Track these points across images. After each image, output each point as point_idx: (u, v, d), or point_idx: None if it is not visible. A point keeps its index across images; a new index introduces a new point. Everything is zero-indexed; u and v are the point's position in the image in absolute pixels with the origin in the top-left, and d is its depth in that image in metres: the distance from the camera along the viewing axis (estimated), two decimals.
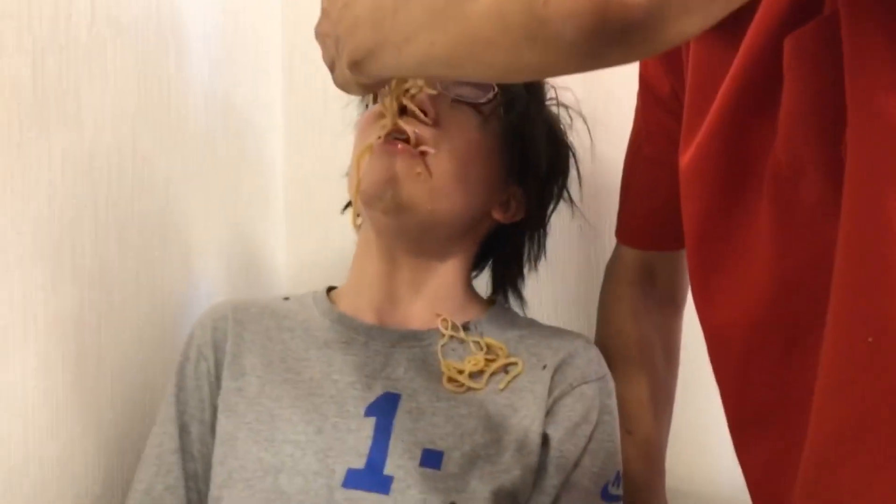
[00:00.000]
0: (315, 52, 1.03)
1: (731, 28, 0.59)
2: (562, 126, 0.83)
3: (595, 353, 0.76)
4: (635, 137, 0.82)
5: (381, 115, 0.74)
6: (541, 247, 0.84)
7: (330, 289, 0.82)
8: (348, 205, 0.85)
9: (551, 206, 0.83)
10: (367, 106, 0.83)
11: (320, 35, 0.64)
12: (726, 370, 0.62)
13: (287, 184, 1.09)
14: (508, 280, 0.84)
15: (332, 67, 0.63)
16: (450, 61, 0.50)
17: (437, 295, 0.77)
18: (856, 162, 0.47)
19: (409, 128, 0.71)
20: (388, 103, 0.71)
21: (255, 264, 1.05)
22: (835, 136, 0.48)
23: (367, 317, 0.76)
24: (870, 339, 0.46)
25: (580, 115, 0.85)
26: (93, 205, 0.73)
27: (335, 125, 0.92)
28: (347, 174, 0.81)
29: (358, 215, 0.78)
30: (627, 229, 0.85)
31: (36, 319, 0.66)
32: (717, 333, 0.63)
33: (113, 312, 0.75)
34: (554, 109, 0.83)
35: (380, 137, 0.72)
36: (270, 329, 0.76)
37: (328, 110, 1.04)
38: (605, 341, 0.83)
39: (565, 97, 0.85)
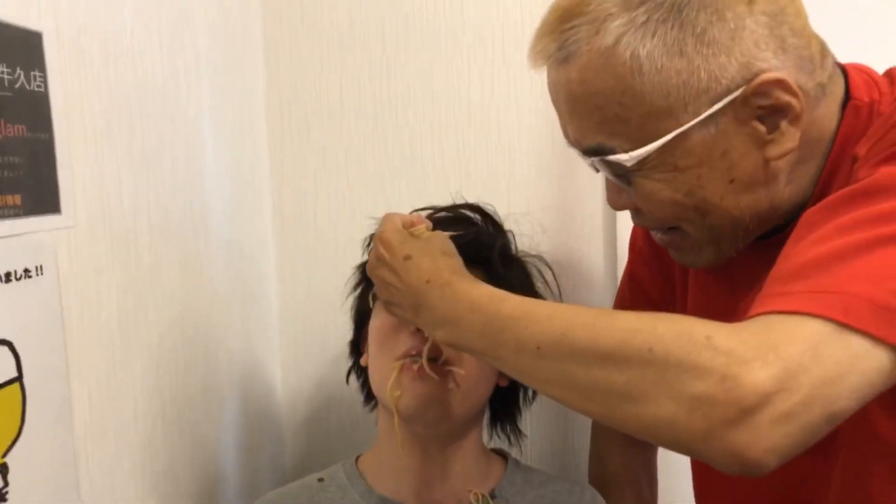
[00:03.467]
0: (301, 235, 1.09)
1: (726, 275, 0.73)
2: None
3: (600, 501, 0.90)
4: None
5: (399, 326, 0.79)
6: (535, 392, 0.92)
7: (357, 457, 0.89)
8: (350, 372, 0.94)
9: None
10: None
11: (379, 279, 0.71)
12: None
13: (281, 311, 1.17)
14: (510, 426, 0.94)
15: (388, 303, 0.72)
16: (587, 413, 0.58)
17: (464, 470, 0.84)
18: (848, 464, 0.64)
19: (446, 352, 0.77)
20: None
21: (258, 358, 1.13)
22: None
23: (408, 499, 0.83)
24: None
25: (549, 266, 0.98)
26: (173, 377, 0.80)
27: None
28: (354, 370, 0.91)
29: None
30: None
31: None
32: None
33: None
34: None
35: (412, 359, 0.77)
36: None
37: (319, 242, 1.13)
38: (602, 480, 0.97)
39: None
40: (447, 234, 0.75)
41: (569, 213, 1.08)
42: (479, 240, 0.84)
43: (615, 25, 0.61)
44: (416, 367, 0.77)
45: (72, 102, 0.64)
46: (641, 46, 0.60)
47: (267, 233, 1.14)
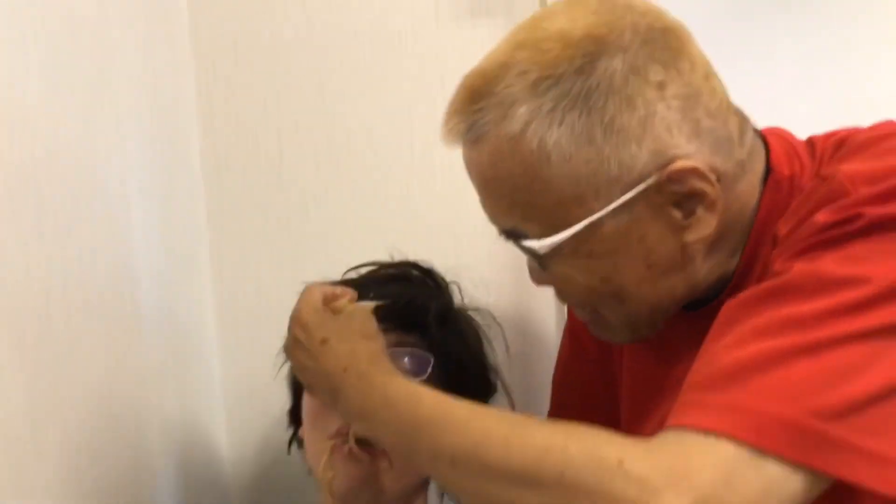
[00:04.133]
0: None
1: (658, 344, 0.70)
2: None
3: None
4: (563, 377, 0.89)
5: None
6: None
7: None
8: (291, 441, 0.91)
9: None
10: None
11: (297, 362, 0.70)
12: None
13: (224, 376, 1.11)
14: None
15: (308, 386, 0.71)
16: None
17: None
18: None
19: None
20: None
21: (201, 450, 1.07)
22: None
23: None
24: None
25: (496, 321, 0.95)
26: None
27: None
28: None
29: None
30: None
31: None
32: None
33: None
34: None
35: (343, 439, 0.75)
36: None
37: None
38: None
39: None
40: (372, 305, 0.72)
41: (518, 266, 1.05)
42: (412, 303, 0.81)
43: (521, 112, 0.58)
44: (346, 448, 0.74)
45: None
46: (549, 135, 0.58)
47: (206, 295, 1.09)
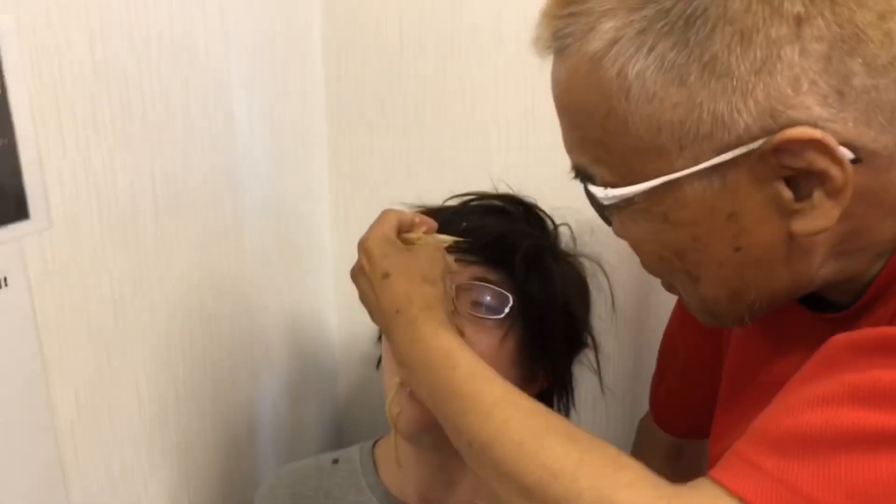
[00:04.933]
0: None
1: (772, 334, 0.60)
2: (582, 275, 0.82)
3: None
4: (670, 340, 0.82)
5: None
6: (570, 402, 0.83)
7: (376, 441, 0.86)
8: (379, 362, 0.87)
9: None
10: None
11: (359, 289, 0.65)
12: None
13: (336, 261, 1.12)
14: None
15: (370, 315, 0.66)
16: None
17: (474, 481, 0.78)
18: None
19: None
20: None
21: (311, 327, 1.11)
22: None
23: (412, 501, 0.79)
24: None
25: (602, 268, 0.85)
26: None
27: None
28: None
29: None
30: (663, 417, 0.86)
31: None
32: None
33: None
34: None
35: None
36: None
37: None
38: None
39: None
40: (446, 241, 0.66)
41: None
42: (502, 239, 0.74)
43: (608, 27, 0.46)
44: (409, 389, 0.70)
45: (43, 96, 0.59)
46: (631, 63, 0.46)
47: (321, 185, 1.08)
